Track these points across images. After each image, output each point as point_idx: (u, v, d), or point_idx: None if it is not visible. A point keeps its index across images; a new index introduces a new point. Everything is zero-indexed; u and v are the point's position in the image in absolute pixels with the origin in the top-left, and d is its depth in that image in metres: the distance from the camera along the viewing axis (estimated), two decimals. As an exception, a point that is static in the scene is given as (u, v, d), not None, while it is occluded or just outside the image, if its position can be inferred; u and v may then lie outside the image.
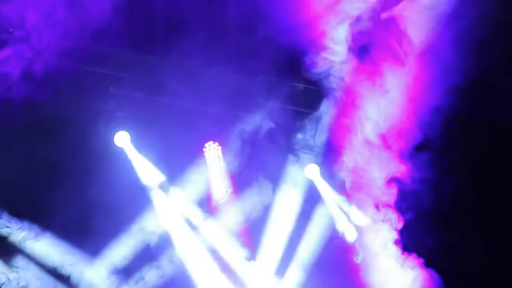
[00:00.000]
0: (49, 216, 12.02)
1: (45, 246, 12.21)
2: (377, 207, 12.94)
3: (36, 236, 12.13)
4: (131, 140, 12.61)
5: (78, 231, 12.15)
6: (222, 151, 13.23)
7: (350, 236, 13.37)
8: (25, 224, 12.10)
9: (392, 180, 12.73)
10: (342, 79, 12.33)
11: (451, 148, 12.59)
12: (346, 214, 13.42)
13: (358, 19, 11.99)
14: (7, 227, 12.02)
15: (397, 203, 12.78)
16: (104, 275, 12.47)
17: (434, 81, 12.12)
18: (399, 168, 12.66)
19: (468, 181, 12.79)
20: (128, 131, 12.61)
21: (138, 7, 12.26)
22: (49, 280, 12.22)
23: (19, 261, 12.12)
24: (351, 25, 11.97)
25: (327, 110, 12.79)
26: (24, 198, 12.08)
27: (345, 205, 13.41)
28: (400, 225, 12.88)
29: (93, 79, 12.40)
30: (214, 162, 13.25)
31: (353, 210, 13.29)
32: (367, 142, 12.67)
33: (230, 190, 13.32)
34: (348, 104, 12.58)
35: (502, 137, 13.08)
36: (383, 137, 12.64)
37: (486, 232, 13.14)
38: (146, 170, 12.72)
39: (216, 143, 13.23)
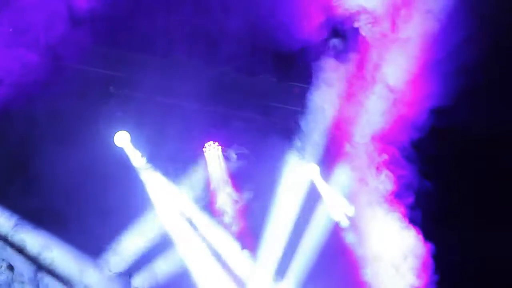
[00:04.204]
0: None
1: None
2: (377, 197, 12.97)
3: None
4: (131, 140, 12.66)
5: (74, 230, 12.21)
6: (222, 151, 13.31)
7: (349, 232, 13.40)
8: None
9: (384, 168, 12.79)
10: (338, 72, 12.42)
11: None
12: (345, 211, 13.47)
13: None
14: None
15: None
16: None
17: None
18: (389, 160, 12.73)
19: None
20: (128, 131, 12.65)
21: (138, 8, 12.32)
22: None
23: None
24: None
25: (322, 106, 12.85)
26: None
27: (344, 203, 13.46)
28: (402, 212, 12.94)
29: (93, 79, 12.45)
30: (214, 162, 13.30)
31: (352, 208, 13.34)
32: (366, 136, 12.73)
33: (230, 189, 13.39)
34: (345, 98, 12.64)
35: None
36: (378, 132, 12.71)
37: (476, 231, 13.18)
38: (147, 170, 12.79)
39: (216, 143, 13.27)
